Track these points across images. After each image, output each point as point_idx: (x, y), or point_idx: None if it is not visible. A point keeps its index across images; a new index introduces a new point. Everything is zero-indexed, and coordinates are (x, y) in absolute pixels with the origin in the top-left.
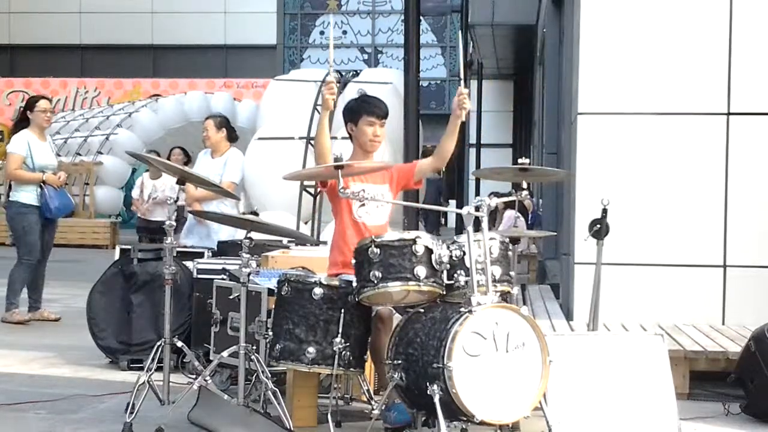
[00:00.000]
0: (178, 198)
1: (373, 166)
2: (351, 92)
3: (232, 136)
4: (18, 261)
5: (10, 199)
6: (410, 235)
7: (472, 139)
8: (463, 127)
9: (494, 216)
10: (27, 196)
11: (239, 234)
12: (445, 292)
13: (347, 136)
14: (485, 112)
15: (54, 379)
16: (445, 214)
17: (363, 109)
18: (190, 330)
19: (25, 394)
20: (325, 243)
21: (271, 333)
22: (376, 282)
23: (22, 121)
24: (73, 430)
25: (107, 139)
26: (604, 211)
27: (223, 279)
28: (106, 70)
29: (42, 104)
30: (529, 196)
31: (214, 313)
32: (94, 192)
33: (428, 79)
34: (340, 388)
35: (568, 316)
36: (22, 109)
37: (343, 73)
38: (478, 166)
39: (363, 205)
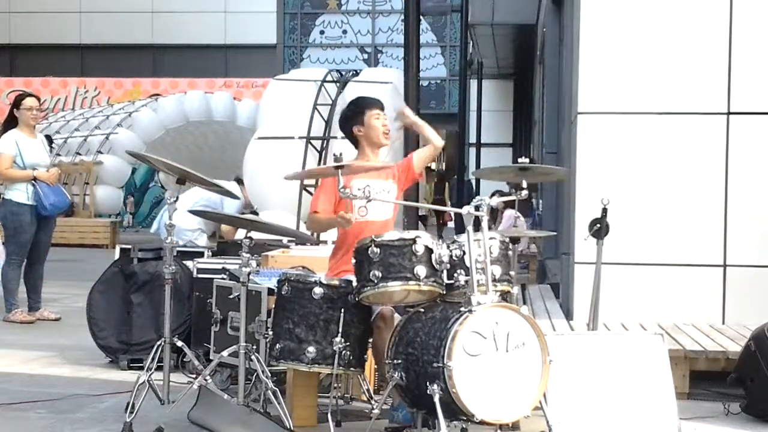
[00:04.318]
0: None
1: (374, 166)
2: (351, 92)
3: None
4: (7, 260)
5: (5, 197)
6: (410, 234)
7: (472, 139)
8: (463, 127)
9: (494, 215)
10: (20, 195)
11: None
12: (445, 292)
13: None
14: (485, 111)
15: (54, 379)
16: None
17: (365, 106)
18: (190, 330)
19: (25, 394)
20: (325, 242)
21: (271, 332)
22: (376, 282)
23: (11, 120)
24: (73, 430)
25: (107, 138)
26: (604, 210)
27: (223, 278)
28: (106, 69)
29: (28, 102)
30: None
31: (214, 313)
32: (94, 192)
33: (428, 79)
34: (340, 387)
35: (568, 315)
36: (9, 107)
37: (343, 73)
38: (478, 165)
39: (369, 200)
